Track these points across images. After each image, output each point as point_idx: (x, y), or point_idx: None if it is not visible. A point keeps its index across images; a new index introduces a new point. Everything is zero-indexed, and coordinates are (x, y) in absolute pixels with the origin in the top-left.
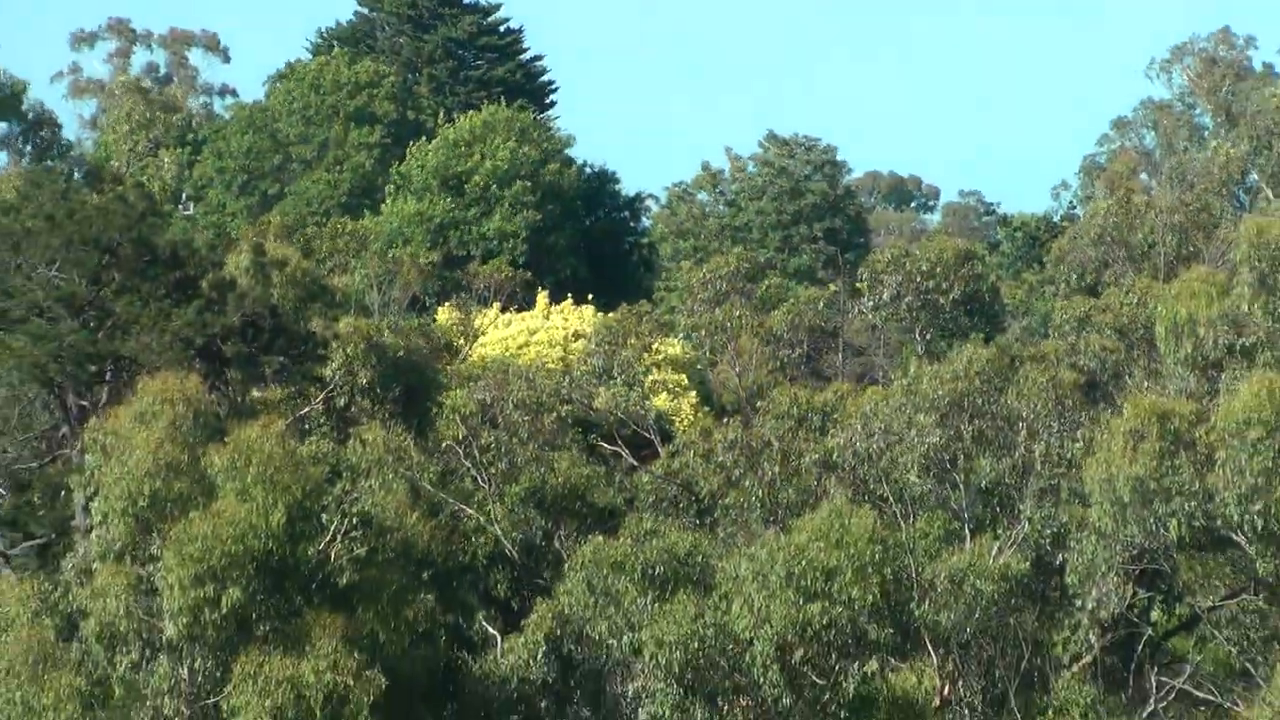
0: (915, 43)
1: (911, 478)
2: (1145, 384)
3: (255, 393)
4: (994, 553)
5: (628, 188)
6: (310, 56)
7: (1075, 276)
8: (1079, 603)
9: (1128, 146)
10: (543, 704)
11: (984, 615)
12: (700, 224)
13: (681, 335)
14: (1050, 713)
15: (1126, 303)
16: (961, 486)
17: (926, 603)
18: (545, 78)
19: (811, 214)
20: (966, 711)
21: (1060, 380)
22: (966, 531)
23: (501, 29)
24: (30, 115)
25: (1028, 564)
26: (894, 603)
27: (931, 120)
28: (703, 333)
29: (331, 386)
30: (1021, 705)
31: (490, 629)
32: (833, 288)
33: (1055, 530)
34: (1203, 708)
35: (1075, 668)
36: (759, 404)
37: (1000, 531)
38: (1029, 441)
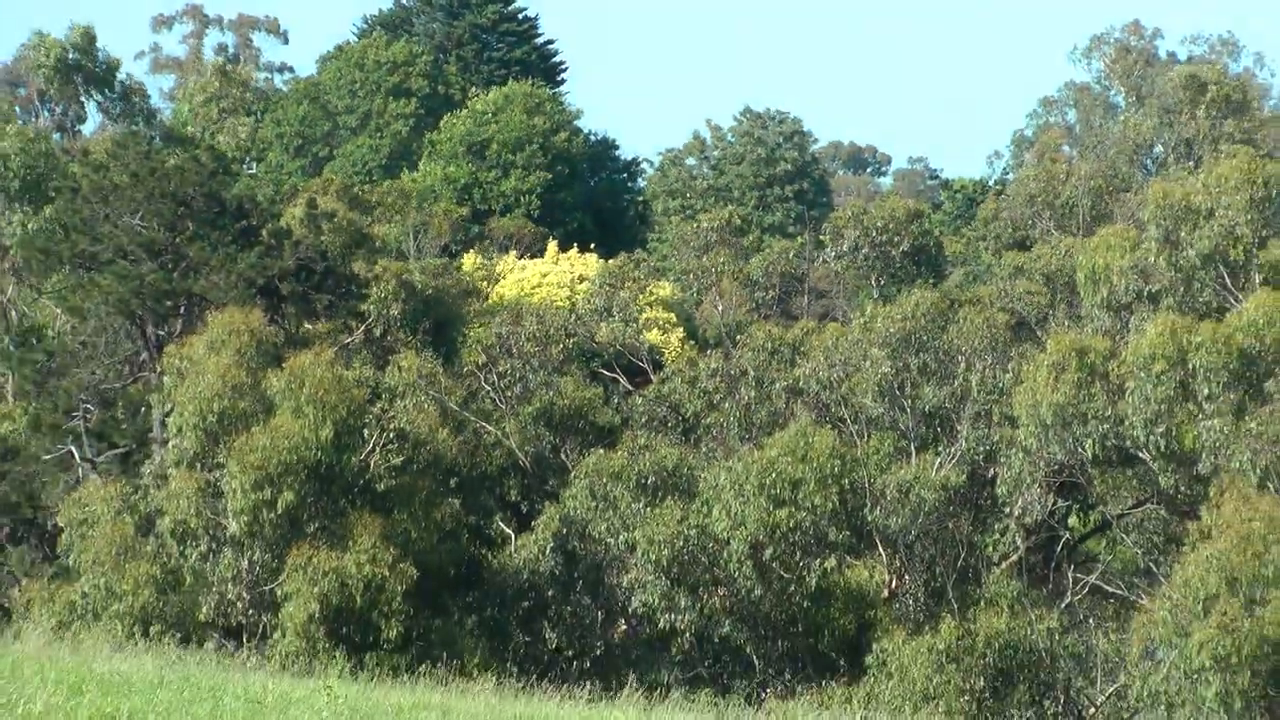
0: (876, 28)
1: (866, 402)
2: (1066, 324)
3: (307, 325)
4: (935, 467)
5: (626, 153)
6: (356, 39)
7: (1007, 233)
8: (1007, 510)
9: (1052, 122)
10: (550, 593)
11: (926, 520)
12: (688, 185)
13: (672, 279)
14: (981, 604)
15: (1053, 254)
16: (908, 410)
17: (878, 509)
18: (557, 59)
19: (783, 178)
20: (910, 601)
21: (994, 321)
22: (912, 449)
23: (520, 16)
24: (119, 87)
25: (964, 477)
26: (850, 509)
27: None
28: (690, 277)
29: (371, 320)
30: (958, 597)
31: (506, 528)
32: (800, 240)
33: (988, 448)
34: (1111, 600)
35: (1003, 565)
36: (737, 338)
37: (941, 449)
38: (966, 373)
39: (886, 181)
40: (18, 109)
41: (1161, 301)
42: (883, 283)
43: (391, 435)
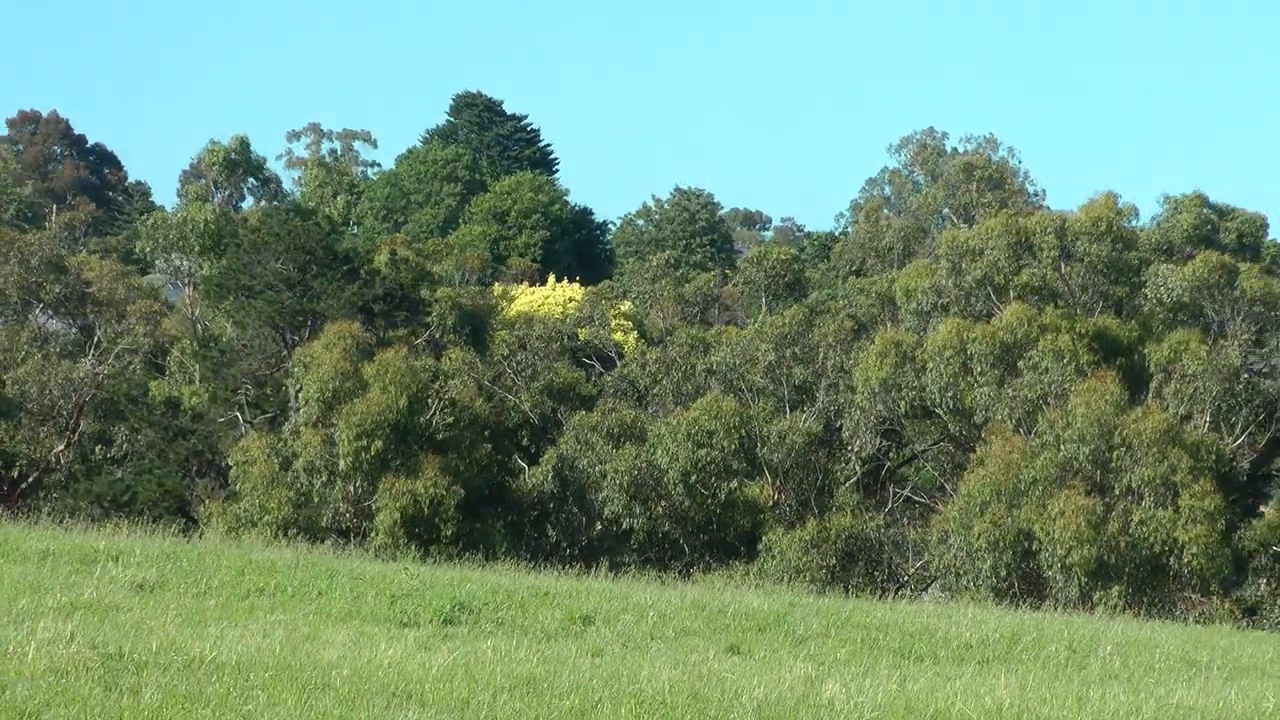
0: (765, 125)
1: (756, 379)
2: (888, 326)
3: (389, 332)
4: (802, 420)
5: (599, 217)
6: (421, 144)
7: (848, 266)
8: (849, 447)
9: (875, 194)
10: (550, 505)
11: (796, 455)
12: (640, 237)
13: (630, 299)
14: (833, 509)
15: (879, 280)
16: (784, 383)
17: (764, 448)
18: (552, 155)
19: (701, 232)
20: (786, 508)
21: (840, 325)
22: (787, 408)
23: (527, 128)
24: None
25: (820, 426)
26: (746, 448)
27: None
28: (642, 297)
29: (432, 328)
30: (817, 505)
31: (521, 463)
32: (713, 274)
33: (836, 408)
34: (918, 506)
35: (847, 484)
36: (671, 337)
37: (805, 408)
38: (823, 358)
39: (768, 234)
40: (202, 193)
41: (950, 310)
42: (769, 300)
43: (445, 403)
